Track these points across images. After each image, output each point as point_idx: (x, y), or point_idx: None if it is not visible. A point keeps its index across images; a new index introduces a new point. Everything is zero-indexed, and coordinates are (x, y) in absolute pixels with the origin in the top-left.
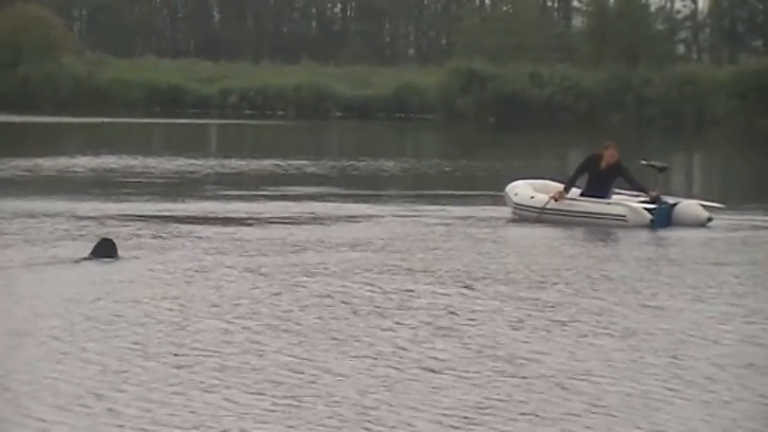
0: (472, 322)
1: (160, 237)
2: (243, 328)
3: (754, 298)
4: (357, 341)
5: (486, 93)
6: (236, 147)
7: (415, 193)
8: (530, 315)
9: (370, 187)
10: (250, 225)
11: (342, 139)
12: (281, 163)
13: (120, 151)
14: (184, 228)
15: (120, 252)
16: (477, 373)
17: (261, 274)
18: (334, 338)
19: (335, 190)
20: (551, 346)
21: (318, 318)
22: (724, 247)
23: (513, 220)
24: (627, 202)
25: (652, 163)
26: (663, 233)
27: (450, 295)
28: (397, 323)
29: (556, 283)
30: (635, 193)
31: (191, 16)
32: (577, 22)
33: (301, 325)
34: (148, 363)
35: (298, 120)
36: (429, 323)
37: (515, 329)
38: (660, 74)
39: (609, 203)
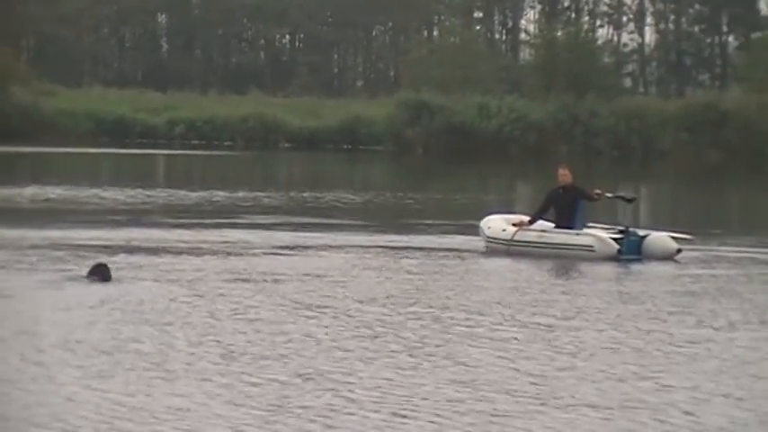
0: (315, 349)
1: (127, 266)
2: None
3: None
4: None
5: (435, 124)
6: (184, 177)
7: (353, 224)
8: (376, 343)
9: (316, 218)
10: (213, 254)
11: (290, 171)
12: (229, 194)
13: (68, 182)
14: (146, 255)
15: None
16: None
17: (214, 301)
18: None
19: (286, 220)
20: (382, 374)
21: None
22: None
23: (482, 253)
24: (594, 233)
25: (620, 194)
26: (628, 265)
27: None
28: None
29: (425, 313)
30: (606, 225)
31: (138, 46)
32: (525, 54)
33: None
34: None
35: (246, 150)
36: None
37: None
38: (608, 106)
39: (577, 234)
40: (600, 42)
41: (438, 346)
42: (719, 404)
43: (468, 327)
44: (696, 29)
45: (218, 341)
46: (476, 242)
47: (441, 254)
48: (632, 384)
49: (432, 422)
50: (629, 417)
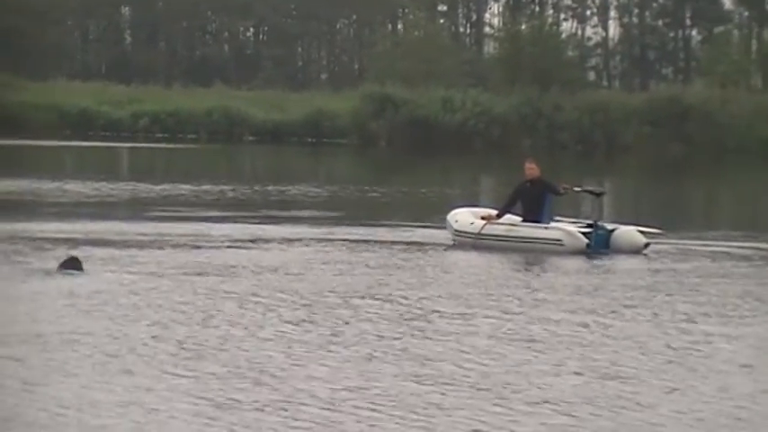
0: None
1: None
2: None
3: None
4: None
5: (399, 117)
6: (148, 170)
7: (317, 217)
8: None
9: (280, 211)
10: (175, 247)
11: (254, 164)
12: (193, 187)
13: (30, 174)
14: (109, 248)
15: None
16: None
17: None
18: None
19: (249, 213)
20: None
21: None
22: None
23: (449, 246)
24: (563, 227)
25: (588, 189)
26: (596, 258)
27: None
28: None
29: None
30: (574, 219)
31: (102, 39)
32: (489, 48)
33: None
34: None
35: (210, 143)
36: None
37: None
38: (571, 100)
39: (546, 228)
40: (564, 36)
41: (393, 339)
42: (671, 398)
43: (425, 320)
44: (660, 23)
45: (172, 335)
46: (441, 235)
47: (404, 247)
48: (584, 378)
49: (378, 416)
50: (579, 411)
